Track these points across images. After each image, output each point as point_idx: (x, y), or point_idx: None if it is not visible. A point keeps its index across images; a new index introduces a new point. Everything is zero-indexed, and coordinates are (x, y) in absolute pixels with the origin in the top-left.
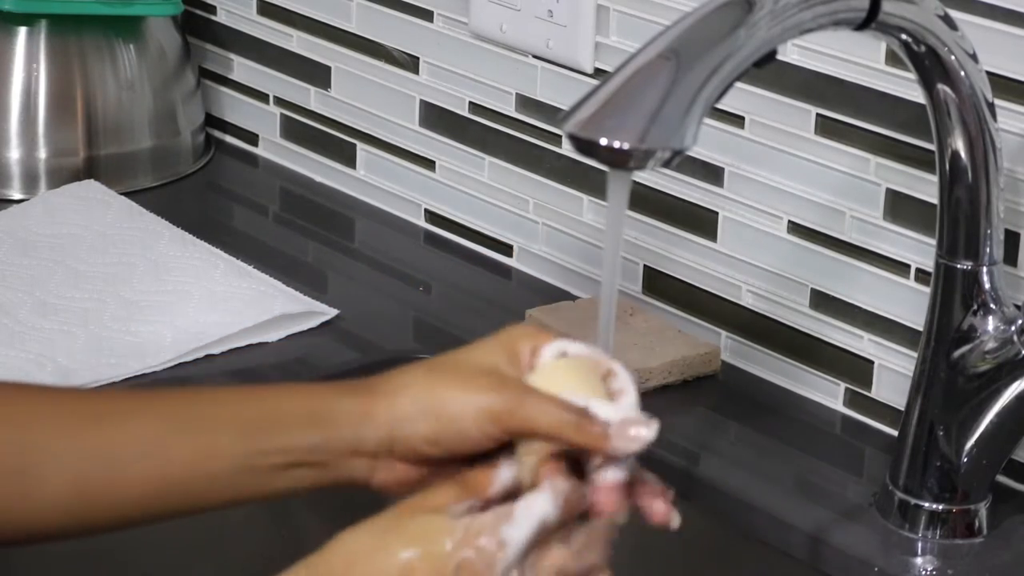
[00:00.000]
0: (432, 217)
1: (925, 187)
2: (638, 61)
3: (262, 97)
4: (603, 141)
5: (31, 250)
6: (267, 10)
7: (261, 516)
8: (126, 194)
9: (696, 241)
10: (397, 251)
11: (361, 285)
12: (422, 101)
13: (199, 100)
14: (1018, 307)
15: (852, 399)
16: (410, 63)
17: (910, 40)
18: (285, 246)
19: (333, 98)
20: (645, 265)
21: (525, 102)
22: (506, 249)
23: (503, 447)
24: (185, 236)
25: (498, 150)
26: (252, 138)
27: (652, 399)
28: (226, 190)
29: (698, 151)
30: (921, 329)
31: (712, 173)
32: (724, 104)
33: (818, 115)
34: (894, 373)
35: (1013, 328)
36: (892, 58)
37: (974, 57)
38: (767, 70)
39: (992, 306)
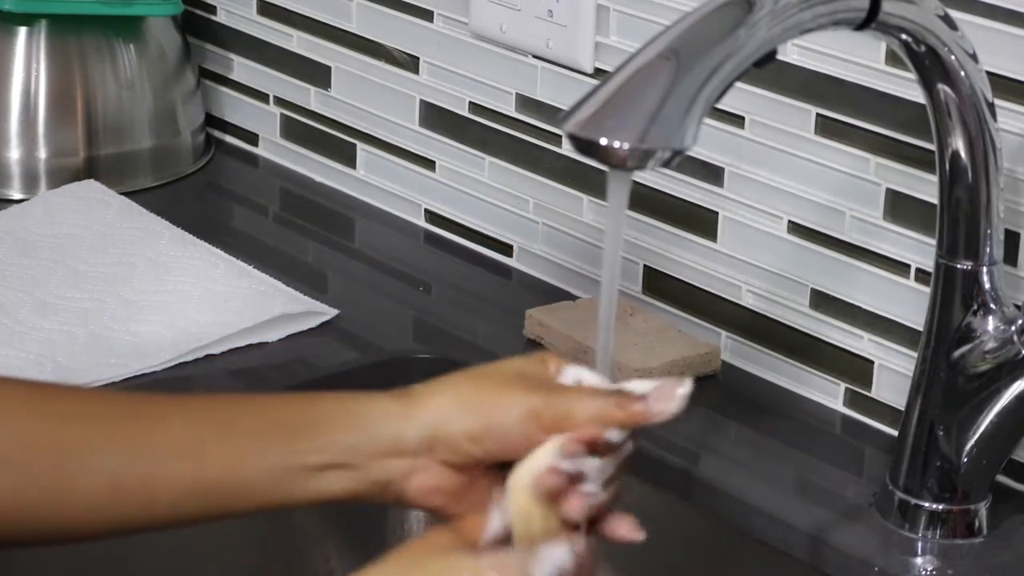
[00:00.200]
0: (432, 217)
1: (925, 187)
2: (638, 61)
3: (262, 97)
4: (603, 141)
5: (31, 250)
6: (267, 10)
7: (263, 519)
8: (126, 194)
9: (696, 241)
10: (397, 251)
11: (361, 285)
12: (422, 101)
13: (199, 100)
14: (1018, 307)
15: (852, 399)
16: (410, 63)
17: (910, 40)
18: (285, 246)
19: (333, 98)
20: (645, 265)
21: (525, 102)
22: (506, 249)
23: (494, 498)
24: (185, 236)
25: (498, 150)
26: (252, 138)
27: None
28: (226, 190)
29: (698, 151)
30: (921, 329)
31: (712, 173)
32: (724, 104)
33: (818, 115)
34: (894, 373)
35: (1013, 328)
36: (892, 58)
37: (974, 57)
38: (767, 70)
39: (992, 306)
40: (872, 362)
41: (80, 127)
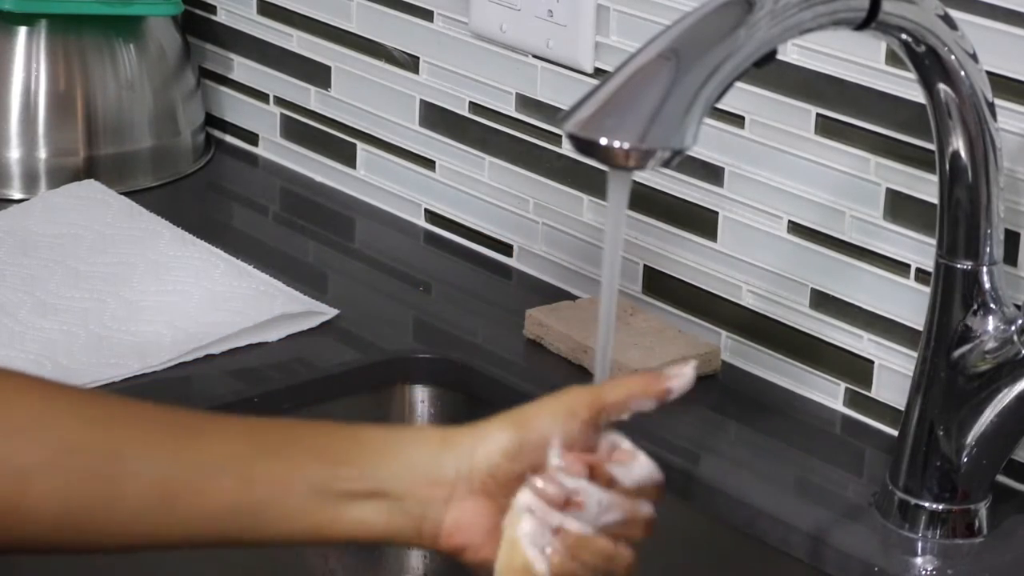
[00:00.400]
0: (432, 217)
1: (925, 187)
2: (638, 61)
3: (262, 97)
4: (603, 141)
5: (31, 250)
6: (267, 10)
7: None
8: (126, 194)
9: (696, 241)
10: (397, 251)
11: (361, 285)
12: (422, 101)
13: (199, 100)
14: (1018, 307)
15: (852, 399)
16: (410, 63)
17: (910, 40)
18: (285, 246)
19: (333, 98)
20: (645, 265)
21: (525, 102)
22: (506, 249)
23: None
24: (185, 236)
25: (498, 150)
26: (252, 138)
27: None
28: (226, 190)
29: (698, 151)
30: (921, 329)
31: (712, 173)
32: (724, 104)
33: (818, 115)
34: (894, 373)
35: (1013, 328)
36: (892, 58)
37: (974, 57)
38: (767, 70)
39: (992, 306)
40: (872, 362)
41: (80, 127)
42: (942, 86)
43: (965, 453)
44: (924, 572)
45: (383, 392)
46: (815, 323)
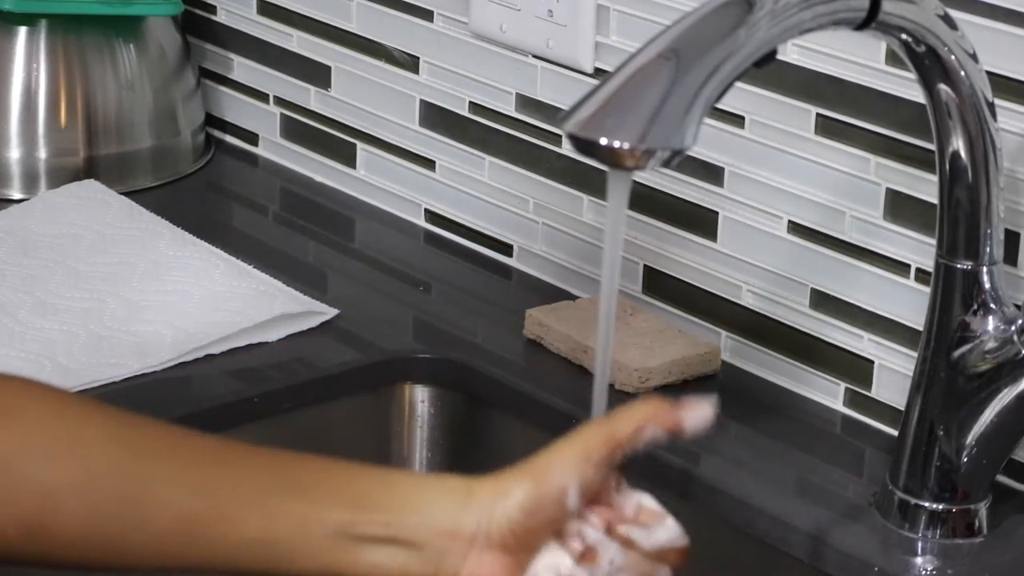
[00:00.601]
0: (432, 217)
1: (925, 187)
2: (638, 61)
3: (262, 97)
4: (603, 141)
5: (31, 250)
6: (267, 10)
7: None
8: (126, 194)
9: (696, 241)
10: (397, 251)
11: (361, 285)
12: (422, 101)
13: (199, 100)
14: (1018, 307)
15: (852, 399)
16: (410, 63)
17: (910, 40)
18: (285, 246)
19: (333, 98)
20: (645, 265)
21: (525, 102)
22: (506, 249)
23: None
24: (185, 236)
25: (498, 150)
26: (252, 138)
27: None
28: (226, 190)
29: (698, 151)
30: (921, 329)
31: (712, 173)
32: (724, 104)
33: (818, 115)
34: (894, 373)
35: (1013, 328)
36: (892, 58)
37: (974, 57)
38: (767, 70)
39: (992, 306)
40: (872, 362)
41: (80, 127)
42: (942, 86)
43: (965, 453)
44: (924, 572)
45: (383, 392)
46: (815, 323)
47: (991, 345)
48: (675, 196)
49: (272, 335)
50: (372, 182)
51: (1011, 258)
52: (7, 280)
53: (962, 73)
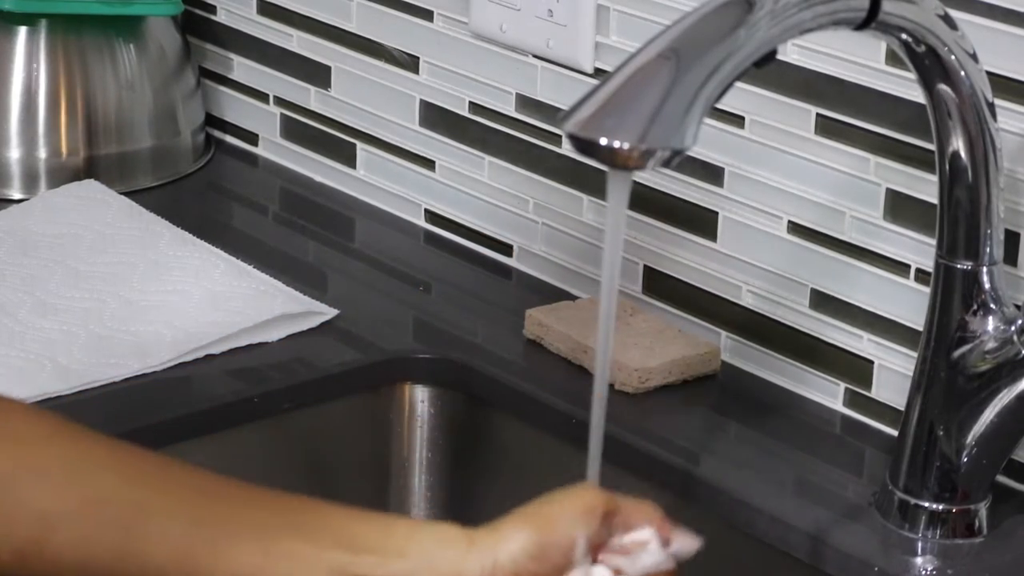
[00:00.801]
0: (432, 217)
1: (925, 187)
2: (638, 61)
3: (262, 97)
4: (603, 141)
5: (31, 250)
6: (267, 10)
7: None
8: (126, 194)
9: (696, 241)
10: (397, 251)
11: (361, 285)
12: (422, 101)
13: (199, 100)
14: (1018, 307)
15: (852, 399)
16: (410, 63)
17: (910, 40)
18: (285, 246)
19: (333, 98)
20: (645, 265)
21: (525, 102)
22: (506, 249)
23: None
24: (185, 236)
25: (498, 150)
26: (252, 138)
27: (652, 399)
28: (226, 190)
29: (698, 151)
30: (921, 329)
31: (712, 173)
32: (724, 104)
33: (818, 115)
34: (894, 373)
35: (1013, 328)
36: (892, 58)
37: (974, 57)
38: (767, 70)
39: (992, 306)
40: (872, 362)
41: (80, 127)
42: (942, 86)
43: (965, 453)
44: (924, 572)
45: (383, 392)
46: (815, 323)
47: (991, 345)
48: (675, 196)
49: (272, 335)
50: (372, 182)
51: (1011, 258)
52: (7, 280)
53: (962, 73)
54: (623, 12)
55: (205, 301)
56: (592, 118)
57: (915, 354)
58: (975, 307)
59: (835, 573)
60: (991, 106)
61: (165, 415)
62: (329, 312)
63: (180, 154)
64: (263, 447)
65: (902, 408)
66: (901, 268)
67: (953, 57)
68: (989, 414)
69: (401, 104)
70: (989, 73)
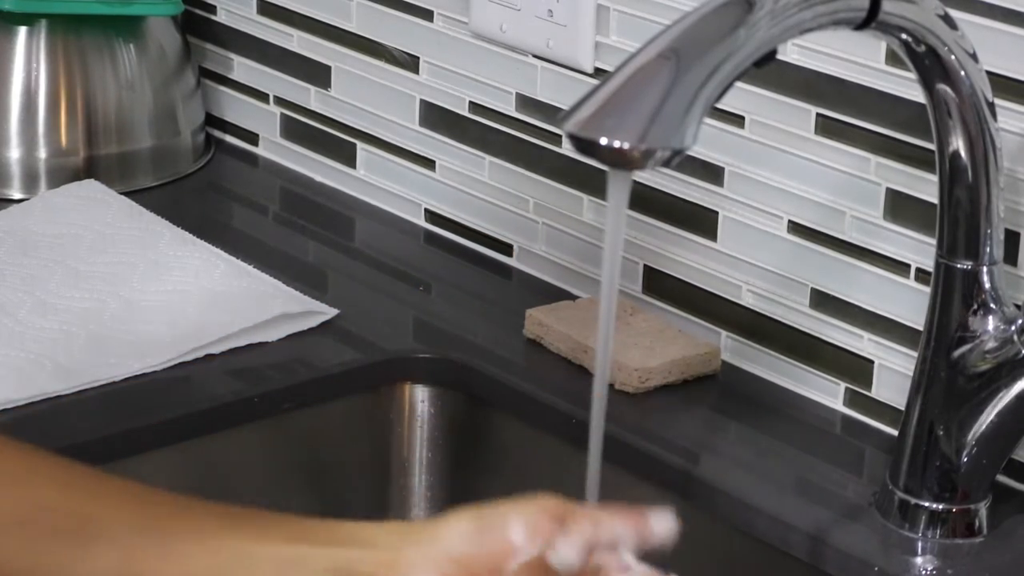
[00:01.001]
0: (432, 217)
1: (925, 187)
2: (638, 61)
3: (262, 97)
4: (603, 141)
5: (31, 250)
6: (267, 10)
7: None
8: (126, 194)
9: (696, 241)
10: (397, 251)
11: (361, 285)
12: (422, 101)
13: (199, 100)
14: (1018, 307)
15: (852, 399)
16: (410, 63)
17: (910, 40)
18: (285, 246)
19: (333, 98)
20: (645, 265)
21: (525, 102)
22: (506, 249)
23: None
24: (185, 236)
25: (498, 150)
26: (252, 138)
27: (652, 399)
28: (226, 190)
29: (698, 151)
30: (921, 329)
31: (712, 173)
32: (724, 104)
33: (818, 115)
34: (894, 373)
35: (1013, 328)
36: (892, 58)
37: (974, 57)
38: (767, 70)
39: (992, 306)
40: (872, 362)
41: (80, 127)
42: (942, 86)
43: (965, 453)
44: (924, 572)
45: (383, 392)
46: (815, 323)
47: (991, 345)
48: (675, 196)
49: (272, 335)
50: (372, 182)
51: (1011, 258)
52: (7, 280)
53: (962, 73)
54: (623, 12)
55: (205, 301)
56: (592, 118)
57: (915, 354)
58: (975, 307)
59: (835, 573)
60: (991, 106)
61: (165, 415)
62: (329, 312)
63: (180, 154)
64: (263, 447)
65: (902, 408)
66: (901, 268)
67: (953, 57)
68: (989, 414)
69: (401, 104)
70: (989, 73)
